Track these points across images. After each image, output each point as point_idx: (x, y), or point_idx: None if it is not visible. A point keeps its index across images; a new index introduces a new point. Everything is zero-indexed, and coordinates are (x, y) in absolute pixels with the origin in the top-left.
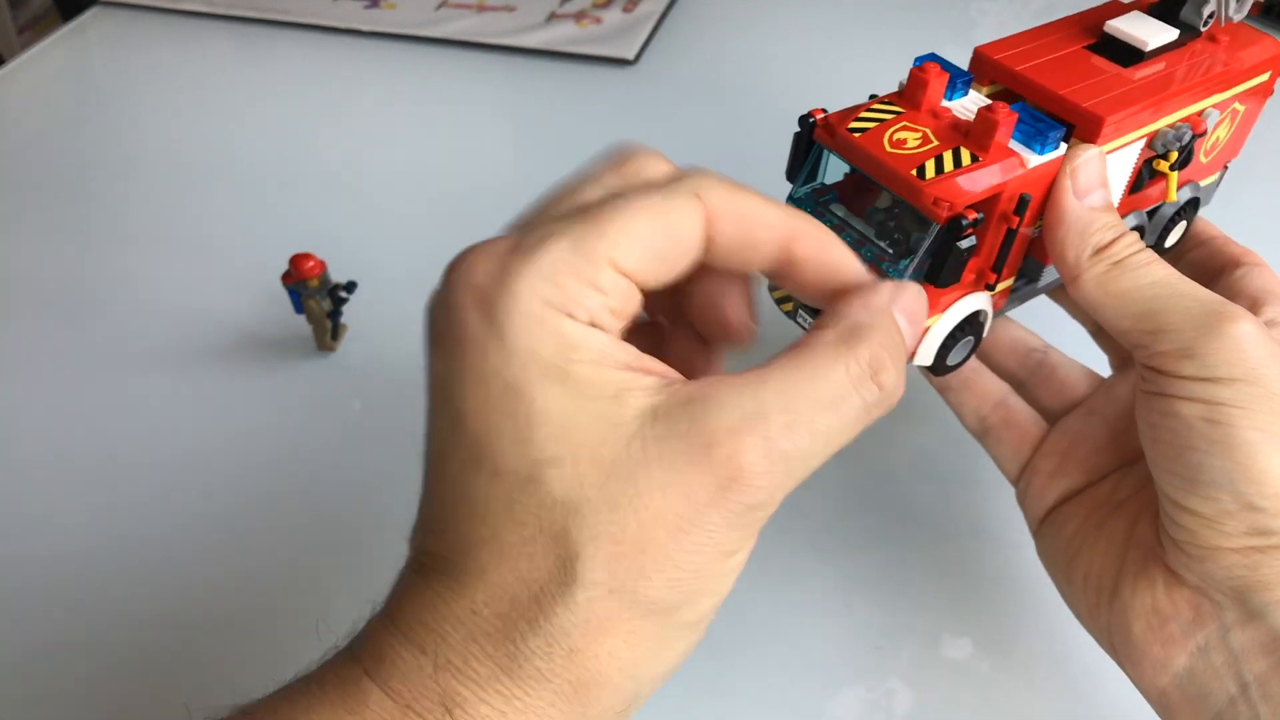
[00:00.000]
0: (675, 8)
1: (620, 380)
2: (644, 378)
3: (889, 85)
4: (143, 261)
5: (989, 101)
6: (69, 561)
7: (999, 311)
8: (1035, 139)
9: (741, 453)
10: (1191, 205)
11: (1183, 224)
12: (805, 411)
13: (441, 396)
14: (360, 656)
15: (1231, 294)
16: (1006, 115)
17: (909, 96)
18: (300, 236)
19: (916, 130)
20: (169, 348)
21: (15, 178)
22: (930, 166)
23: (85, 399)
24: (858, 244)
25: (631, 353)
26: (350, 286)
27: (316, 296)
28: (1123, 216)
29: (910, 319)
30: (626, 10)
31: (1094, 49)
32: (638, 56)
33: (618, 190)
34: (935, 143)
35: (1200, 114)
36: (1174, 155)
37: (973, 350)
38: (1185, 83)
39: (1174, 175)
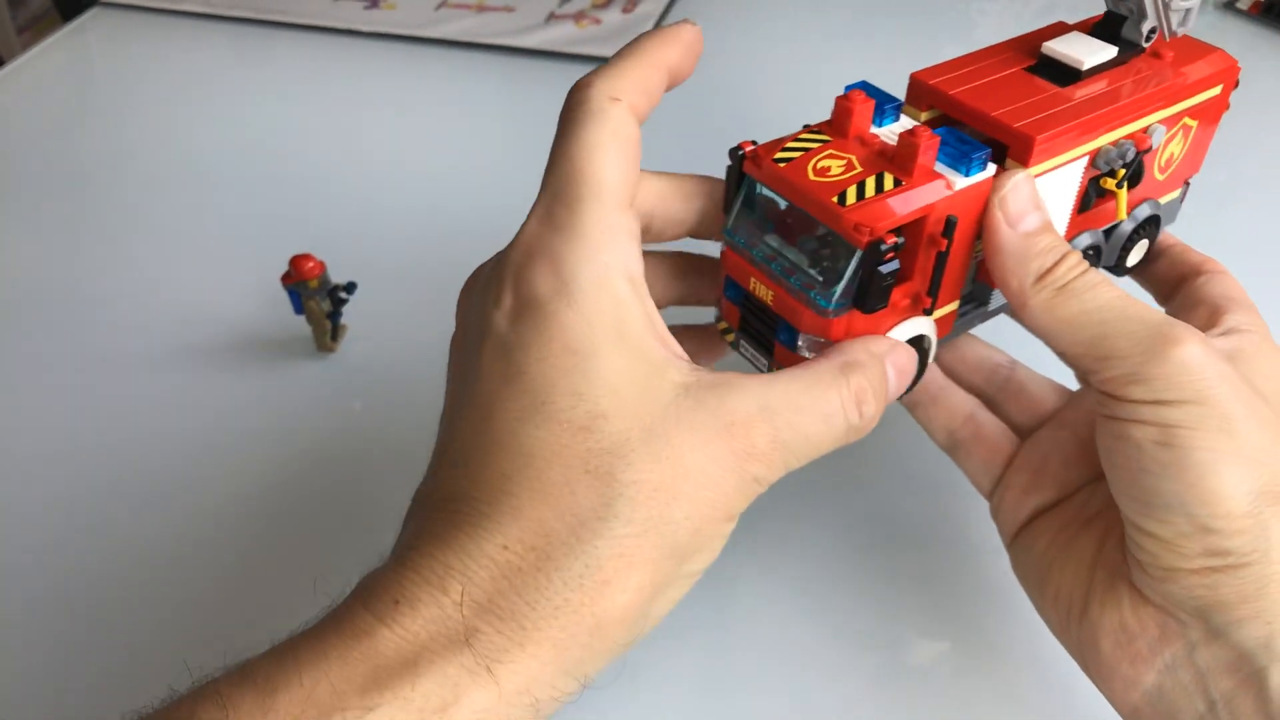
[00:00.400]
0: (674, 9)
1: (660, 354)
2: (676, 358)
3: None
4: (142, 262)
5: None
6: (68, 558)
7: (946, 336)
8: (961, 161)
9: (755, 435)
10: (1152, 223)
11: (1144, 242)
12: (805, 415)
13: (500, 352)
14: (370, 604)
15: (1193, 302)
16: (928, 139)
17: (836, 125)
18: (300, 237)
19: (841, 158)
20: (169, 348)
21: (15, 178)
22: (852, 193)
23: (85, 399)
24: (788, 272)
25: (659, 324)
26: (350, 287)
27: (316, 297)
28: (1074, 236)
29: (898, 371)
30: (626, 11)
31: (1033, 71)
32: None
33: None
34: (859, 169)
35: (1145, 130)
36: (1120, 173)
37: (919, 376)
38: (1127, 99)
39: (1122, 193)
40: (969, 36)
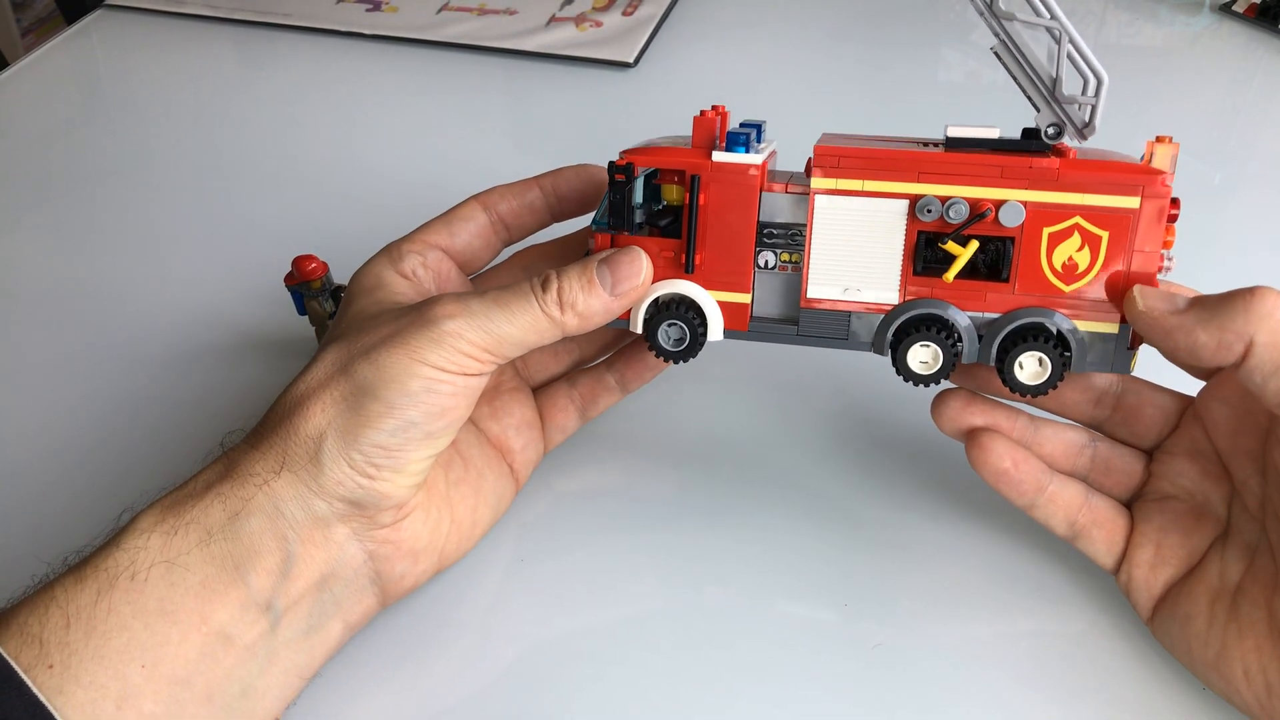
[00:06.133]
0: (674, 11)
1: (394, 299)
2: (411, 300)
3: (888, 84)
4: (145, 262)
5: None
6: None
7: (744, 334)
8: (731, 146)
9: (438, 303)
10: (1044, 336)
11: (1039, 356)
12: (492, 293)
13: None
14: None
15: None
16: (708, 119)
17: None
18: (302, 238)
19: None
20: (171, 349)
21: (19, 179)
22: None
23: (86, 400)
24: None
25: (418, 289)
26: None
27: (319, 298)
28: (910, 300)
29: (613, 268)
30: (626, 14)
31: (929, 145)
32: (637, 59)
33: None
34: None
35: (997, 203)
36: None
37: (688, 346)
38: (975, 163)
39: (961, 251)
40: (969, 37)
